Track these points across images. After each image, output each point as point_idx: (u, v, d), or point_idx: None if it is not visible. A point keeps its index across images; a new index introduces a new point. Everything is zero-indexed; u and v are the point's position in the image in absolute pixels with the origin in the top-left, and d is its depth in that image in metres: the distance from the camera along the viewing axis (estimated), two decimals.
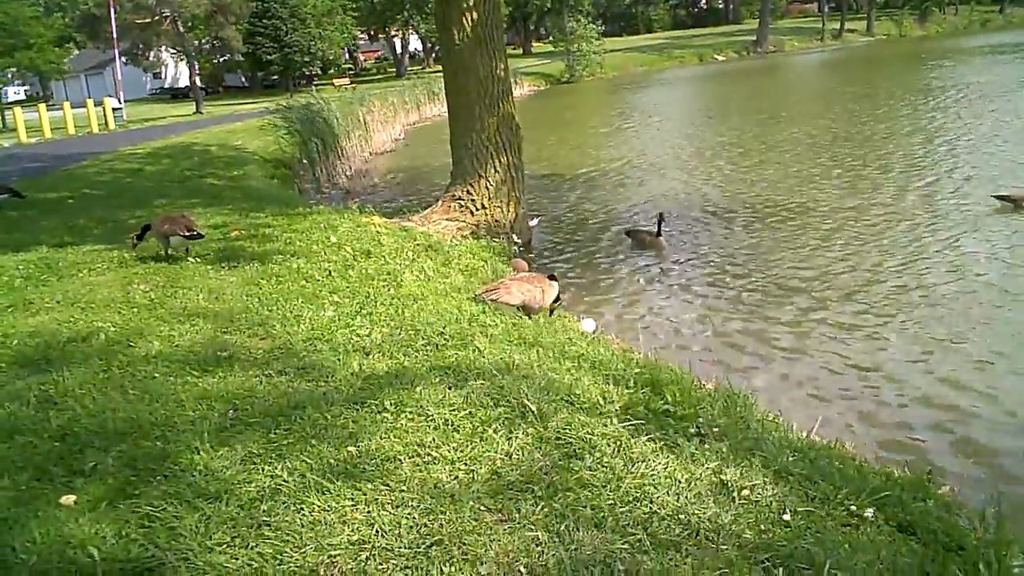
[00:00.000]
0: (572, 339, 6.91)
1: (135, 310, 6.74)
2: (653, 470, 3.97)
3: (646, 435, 4.40)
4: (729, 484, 3.89)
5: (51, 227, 11.38)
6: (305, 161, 24.19)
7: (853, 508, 3.82)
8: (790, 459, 4.40)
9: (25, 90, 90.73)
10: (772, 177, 17.91)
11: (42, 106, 41.99)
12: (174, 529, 3.40)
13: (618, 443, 4.22)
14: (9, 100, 62.31)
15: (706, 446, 4.40)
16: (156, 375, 5.19)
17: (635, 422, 4.56)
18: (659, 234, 12.96)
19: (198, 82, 59.11)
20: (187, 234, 8.60)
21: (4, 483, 3.92)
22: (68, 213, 12.84)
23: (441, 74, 14.83)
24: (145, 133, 36.23)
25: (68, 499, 3.75)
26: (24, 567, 3.23)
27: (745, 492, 3.84)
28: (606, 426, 4.45)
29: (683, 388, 5.32)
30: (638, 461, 4.05)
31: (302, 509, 3.53)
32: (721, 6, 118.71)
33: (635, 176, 19.98)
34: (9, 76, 55.70)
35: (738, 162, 20.32)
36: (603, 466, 3.97)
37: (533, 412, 4.44)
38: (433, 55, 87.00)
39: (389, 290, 7.62)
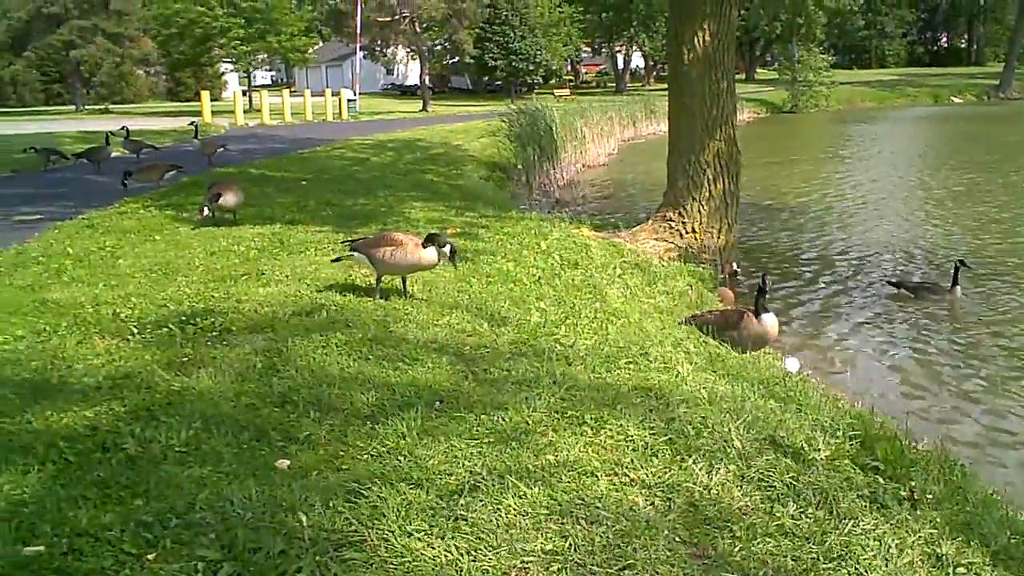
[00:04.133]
0: (777, 377, 6.66)
1: (354, 293, 7.05)
2: (861, 529, 3.73)
3: (854, 491, 4.16)
4: (944, 559, 3.61)
5: (285, 204, 12.13)
6: (520, 166, 24.63)
7: None
8: (1012, 542, 4.04)
9: (272, 76, 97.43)
10: (1011, 230, 16.56)
11: (285, 92, 45.03)
12: (377, 508, 3.50)
13: (824, 495, 4.00)
14: (257, 84, 66.91)
15: (918, 512, 4.11)
16: (370, 358, 5.40)
17: (842, 475, 4.32)
18: (955, 285, 11.52)
19: (427, 81, 61.47)
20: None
21: (228, 440, 4.18)
22: (300, 193, 13.65)
23: (661, 92, 14.73)
24: (374, 125, 38.07)
25: (283, 463, 3.95)
26: (239, 521, 3.42)
27: (961, 570, 3.55)
28: (811, 475, 4.23)
29: (895, 446, 5.00)
30: (845, 517, 3.82)
31: (499, 510, 3.55)
32: (963, 46, 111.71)
33: (850, 213, 19.06)
34: (260, 60, 59.79)
35: (967, 210, 18.96)
36: (807, 516, 3.77)
37: (736, 448, 4.29)
38: (654, 73, 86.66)
39: (594, 303, 7.61)
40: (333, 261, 7.79)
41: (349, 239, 7.48)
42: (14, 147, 22.32)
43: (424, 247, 6.70)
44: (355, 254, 6.94)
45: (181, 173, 14.64)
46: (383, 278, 7.01)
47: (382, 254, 6.66)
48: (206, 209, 9.97)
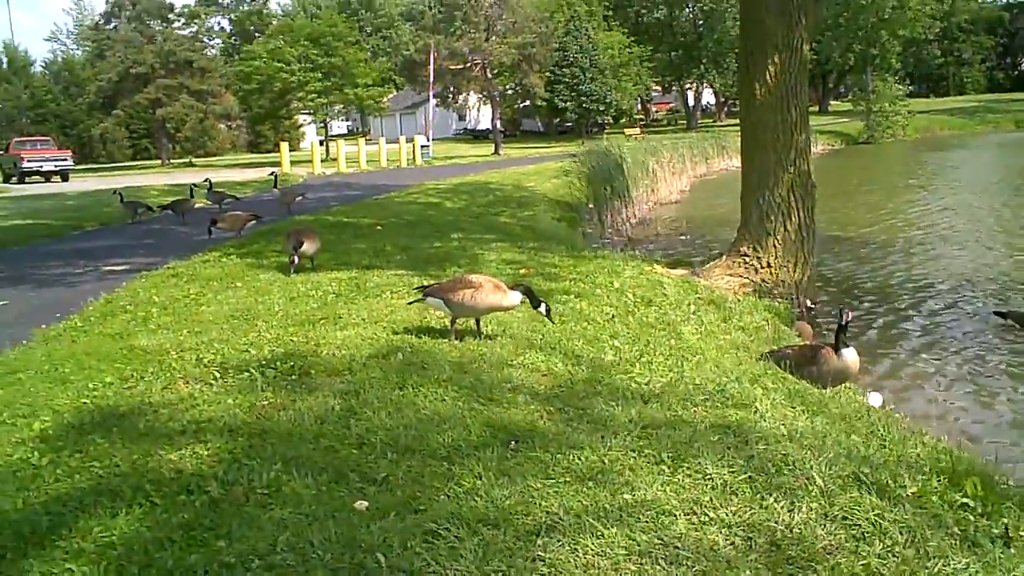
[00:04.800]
0: (859, 412, 6.49)
1: (430, 335, 7.11)
2: (952, 569, 3.59)
3: (943, 529, 4.00)
4: None
5: (361, 250, 12.33)
6: (592, 206, 24.68)
7: None
8: None
9: (348, 125, 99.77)
10: None
11: (361, 140, 46.18)
12: (455, 549, 3.50)
13: (912, 533, 3.86)
14: (334, 133, 68.59)
15: (1012, 551, 3.93)
16: (445, 398, 5.42)
17: (930, 512, 4.17)
18: None
19: (498, 125, 62.17)
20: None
21: (308, 481, 4.23)
22: (376, 238, 13.87)
23: (732, 128, 14.68)
24: (447, 170, 38.62)
25: (361, 504, 3.98)
26: (319, 562, 3.45)
27: None
28: (898, 512, 4.09)
29: (986, 482, 4.80)
30: (934, 557, 3.68)
31: (576, 550, 3.51)
32: None
33: (930, 243, 18.61)
34: (336, 111, 61.29)
35: None
36: (894, 556, 3.64)
37: (819, 486, 4.18)
38: (725, 108, 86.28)
39: (669, 340, 7.54)
40: (410, 303, 7.88)
41: (422, 285, 7.56)
42: (104, 202, 23.25)
43: (511, 289, 6.77)
44: (430, 300, 7.01)
45: (261, 223, 15.04)
46: (458, 320, 7.06)
47: (460, 297, 6.69)
48: (296, 258, 10.17)
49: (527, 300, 6.81)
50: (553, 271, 10.56)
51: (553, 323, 7.27)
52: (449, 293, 6.78)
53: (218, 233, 14.16)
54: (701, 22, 77.82)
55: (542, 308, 6.86)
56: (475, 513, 3.80)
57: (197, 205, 20.02)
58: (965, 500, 4.40)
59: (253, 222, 14.57)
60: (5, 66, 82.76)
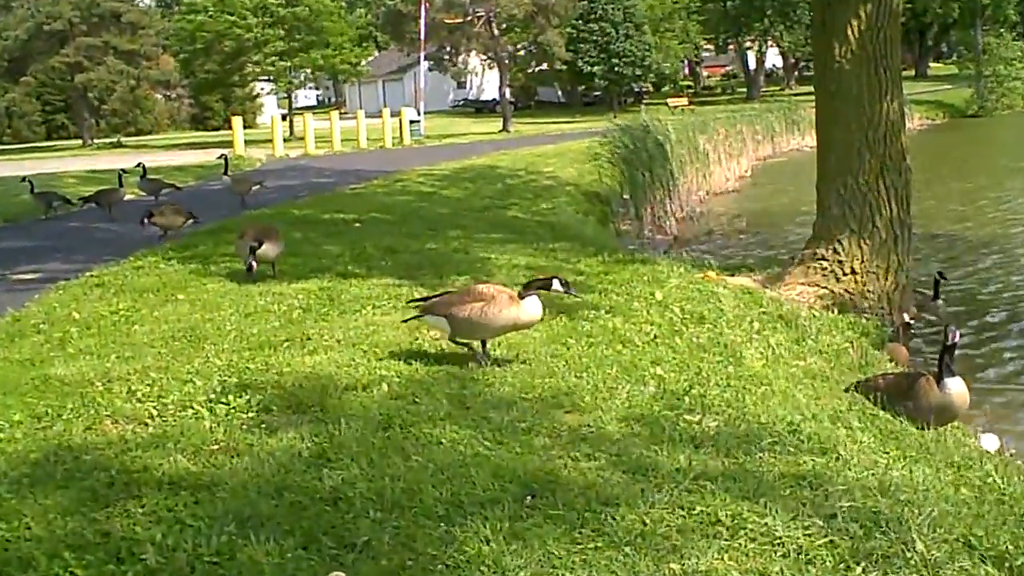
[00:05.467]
0: (970, 458, 6.48)
1: (423, 360, 7.11)
2: None
3: None
4: None
5: (335, 254, 12.39)
6: (627, 197, 24.71)
7: None
8: None
9: (317, 95, 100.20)
10: None
11: (334, 114, 46.28)
12: None
13: None
14: (299, 105, 68.83)
15: None
16: (443, 440, 5.43)
17: None
18: None
19: (508, 95, 62.28)
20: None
21: (269, 547, 4.23)
22: (354, 238, 13.93)
23: (805, 97, 14.69)
24: (443, 151, 38.77)
25: None
26: None
27: None
28: None
29: None
30: None
31: None
32: None
33: None
34: (302, 78, 61.63)
35: None
36: None
37: (919, 552, 4.17)
38: (796, 73, 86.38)
39: (726, 367, 7.55)
40: (403, 321, 7.90)
41: (417, 298, 7.54)
42: (10, 191, 23.35)
43: (522, 298, 6.71)
44: (428, 318, 7.01)
45: (199, 223, 15.06)
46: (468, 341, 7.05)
47: (467, 314, 6.68)
48: (254, 263, 10.16)
49: (559, 290, 6.82)
50: (579, 280, 10.58)
51: (577, 297, 7.26)
52: (453, 309, 6.78)
53: (154, 231, 14.20)
54: None
55: (556, 285, 6.77)
56: None
57: (127, 197, 20.08)
58: None
59: (190, 222, 14.62)
60: None
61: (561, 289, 6.85)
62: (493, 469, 4.98)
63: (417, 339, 7.72)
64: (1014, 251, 18.26)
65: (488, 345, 7.13)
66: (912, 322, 11.46)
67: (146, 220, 13.97)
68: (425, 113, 56.24)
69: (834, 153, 12.97)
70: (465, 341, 7.08)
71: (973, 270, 16.81)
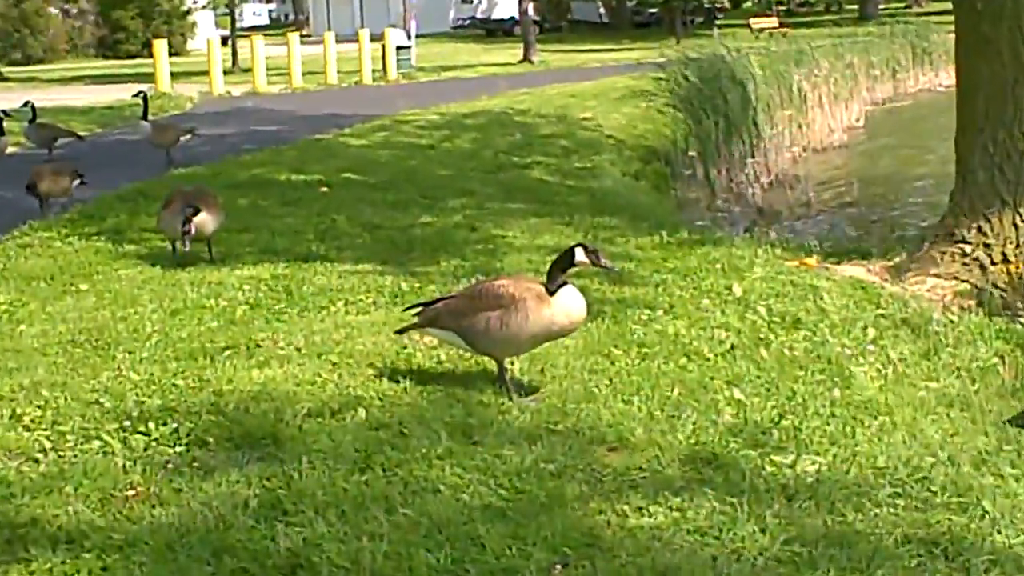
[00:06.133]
0: None
1: (412, 378, 7.09)
2: None
3: None
4: None
5: (293, 229, 12.38)
6: (693, 154, 24.64)
7: None
8: None
9: (271, 10, 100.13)
10: None
11: (292, 36, 46.06)
12: None
13: None
14: (246, 26, 68.80)
15: None
16: (441, 487, 5.41)
17: None
18: None
19: (530, 11, 62.04)
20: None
21: None
22: (320, 208, 13.92)
23: (941, 20, 14.59)
24: (442, 89, 38.76)
25: None
26: None
27: None
28: None
29: None
30: None
31: None
32: None
33: None
34: None
35: None
36: None
37: None
38: None
39: (829, 390, 7.50)
40: (397, 332, 7.79)
41: (417, 303, 7.47)
42: None
43: (553, 294, 6.54)
44: (433, 331, 6.98)
45: (88, 187, 14.87)
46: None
47: (484, 326, 6.67)
48: (187, 241, 10.07)
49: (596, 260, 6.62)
50: (628, 266, 10.55)
51: (614, 270, 7.25)
52: (464, 320, 6.75)
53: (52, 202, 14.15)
54: None
55: (579, 255, 6.45)
56: None
57: (9, 149, 20.11)
58: None
59: (76, 184, 14.34)
60: None
61: (587, 260, 6.53)
62: (511, 531, 4.96)
63: (406, 347, 7.70)
64: None
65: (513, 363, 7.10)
66: None
67: (30, 190, 13.77)
68: (418, 37, 56.21)
69: (980, 96, 12.88)
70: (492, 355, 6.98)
71: None
